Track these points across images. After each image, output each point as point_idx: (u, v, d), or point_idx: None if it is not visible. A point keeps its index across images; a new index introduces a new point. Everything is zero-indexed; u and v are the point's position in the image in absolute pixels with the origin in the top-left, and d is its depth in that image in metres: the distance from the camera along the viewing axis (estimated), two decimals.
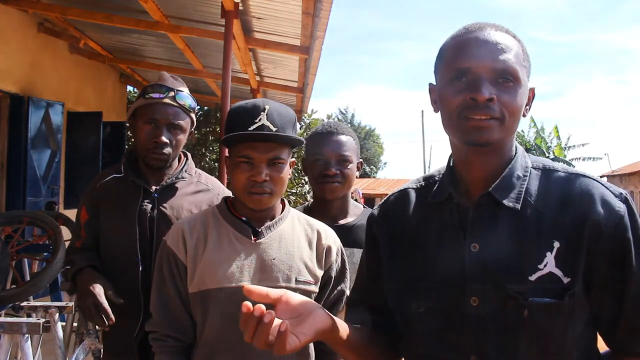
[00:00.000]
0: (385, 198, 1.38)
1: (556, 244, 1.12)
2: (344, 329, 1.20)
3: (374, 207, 1.39)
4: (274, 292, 1.09)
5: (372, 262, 1.34)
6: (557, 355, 1.12)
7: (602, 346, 1.21)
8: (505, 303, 1.12)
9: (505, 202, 1.16)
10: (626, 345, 1.16)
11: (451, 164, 1.27)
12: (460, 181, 1.23)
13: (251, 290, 1.07)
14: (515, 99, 1.13)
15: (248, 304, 1.02)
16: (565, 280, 1.11)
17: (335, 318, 1.18)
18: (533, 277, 1.11)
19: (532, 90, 1.22)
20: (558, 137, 29.04)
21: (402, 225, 1.29)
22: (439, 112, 1.21)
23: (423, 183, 1.32)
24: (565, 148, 29.08)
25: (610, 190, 1.15)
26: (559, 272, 1.11)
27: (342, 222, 2.07)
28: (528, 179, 1.19)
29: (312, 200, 2.19)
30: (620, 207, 1.13)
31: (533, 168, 1.21)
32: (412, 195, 1.31)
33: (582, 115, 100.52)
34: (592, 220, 1.11)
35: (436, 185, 1.28)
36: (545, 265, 1.11)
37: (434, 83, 1.24)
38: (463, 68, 1.14)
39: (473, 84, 1.12)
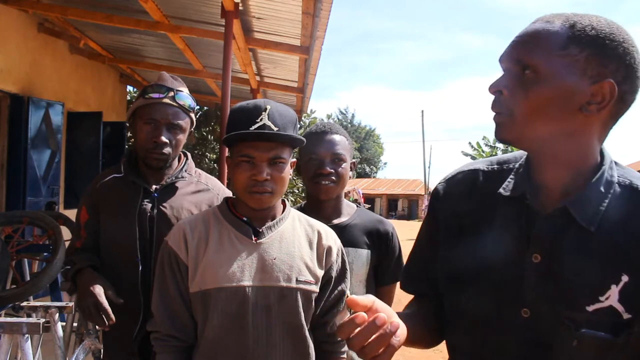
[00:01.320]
0: (453, 174, 1.27)
1: (624, 278, 1.02)
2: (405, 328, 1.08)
3: (440, 181, 1.29)
4: (364, 301, 0.98)
5: (430, 234, 1.28)
6: None
7: None
8: (556, 326, 1.05)
9: (579, 220, 1.05)
10: None
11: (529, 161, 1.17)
12: (535, 181, 1.13)
13: (357, 302, 0.96)
14: (526, 95, 1.04)
15: (363, 314, 0.95)
16: (626, 316, 1.02)
17: (400, 322, 1.04)
18: (591, 308, 1.03)
19: (608, 84, 1.01)
20: None
21: (464, 209, 1.20)
22: None
23: (496, 167, 1.21)
24: None
25: None
26: (620, 307, 1.02)
27: (336, 221, 2.07)
28: (610, 197, 1.06)
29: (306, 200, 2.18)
30: None
31: (618, 184, 1.08)
32: (481, 177, 1.21)
33: None
34: None
35: (510, 174, 1.17)
36: (607, 299, 1.02)
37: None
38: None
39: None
